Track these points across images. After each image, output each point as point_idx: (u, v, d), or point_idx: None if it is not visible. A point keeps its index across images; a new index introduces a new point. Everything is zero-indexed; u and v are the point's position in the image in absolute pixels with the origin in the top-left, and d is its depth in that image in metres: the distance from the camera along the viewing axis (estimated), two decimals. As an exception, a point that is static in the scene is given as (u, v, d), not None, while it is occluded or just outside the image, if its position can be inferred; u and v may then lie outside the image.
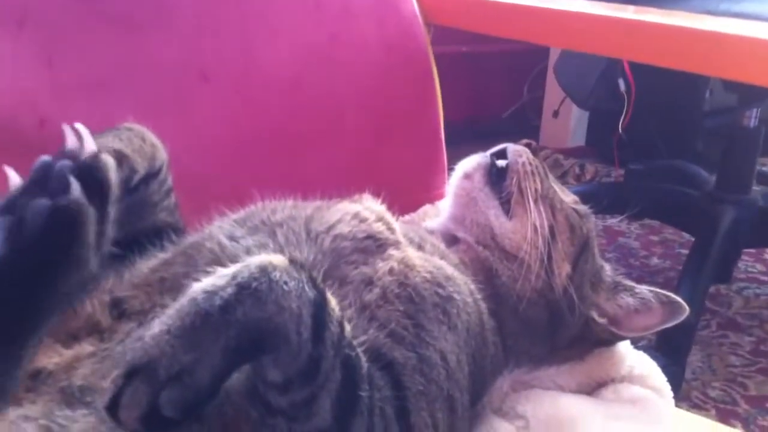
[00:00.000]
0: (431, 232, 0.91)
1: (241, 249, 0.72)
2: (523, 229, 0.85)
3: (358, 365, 0.61)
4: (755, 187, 2.41)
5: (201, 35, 1.05)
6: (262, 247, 0.73)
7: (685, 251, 2.50)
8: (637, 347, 2.00)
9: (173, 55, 1.03)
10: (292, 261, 0.59)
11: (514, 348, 0.85)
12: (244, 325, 0.54)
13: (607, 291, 0.89)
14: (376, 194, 1.07)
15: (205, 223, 0.80)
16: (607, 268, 0.92)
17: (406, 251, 0.77)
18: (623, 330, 0.88)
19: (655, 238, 2.74)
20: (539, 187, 0.88)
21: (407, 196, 1.07)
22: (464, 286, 0.78)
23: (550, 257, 0.85)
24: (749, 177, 2.33)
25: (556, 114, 3.24)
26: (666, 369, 1.85)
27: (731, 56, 0.89)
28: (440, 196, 1.09)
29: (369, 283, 0.72)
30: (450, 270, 0.78)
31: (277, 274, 0.56)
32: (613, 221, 2.83)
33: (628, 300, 0.88)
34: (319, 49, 1.07)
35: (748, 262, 2.58)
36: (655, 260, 2.60)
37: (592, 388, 0.88)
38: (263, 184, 1.04)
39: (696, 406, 1.86)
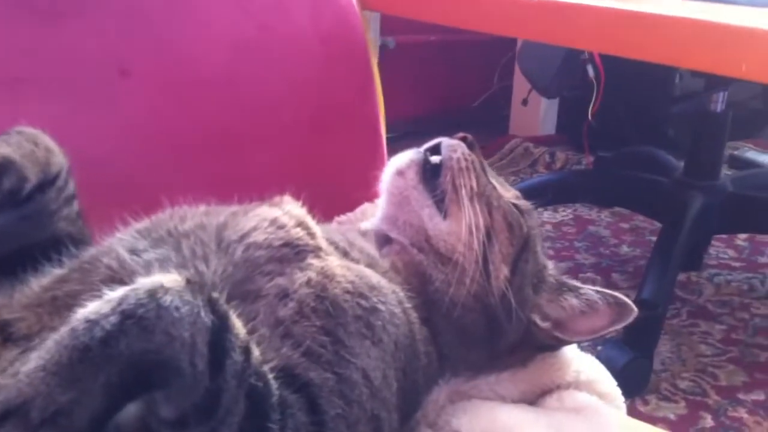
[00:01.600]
0: (364, 233, 0.86)
1: (142, 264, 0.66)
2: (458, 230, 0.80)
3: (266, 394, 0.56)
4: (725, 172, 2.37)
5: (123, 27, 0.98)
6: (165, 261, 0.67)
7: (656, 238, 2.47)
8: (604, 340, 1.96)
9: (93, 49, 0.97)
10: (189, 282, 0.54)
11: (451, 357, 0.79)
12: (128, 359, 0.49)
13: (549, 292, 0.84)
14: (313, 193, 1.02)
15: (107, 235, 0.74)
16: (551, 267, 0.87)
17: (326, 260, 0.71)
18: (568, 334, 0.83)
19: (625, 225, 2.70)
20: (474, 184, 0.82)
21: (346, 194, 1.01)
22: (391, 295, 0.72)
23: (486, 259, 0.79)
24: (717, 162, 2.29)
25: (525, 102, 3.19)
26: (634, 361, 1.83)
27: (696, 45, 0.83)
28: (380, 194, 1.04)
29: (284, 296, 0.67)
30: (375, 279, 0.72)
31: (167, 299, 0.51)
32: (583, 210, 2.80)
33: (572, 302, 0.83)
34: (251, 41, 1.01)
35: (720, 248, 2.54)
36: (625, 248, 2.56)
37: (536, 396, 0.83)
38: (194, 185, 0.98)
39: (665, 398, 1.83)
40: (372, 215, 0.97)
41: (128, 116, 0.96)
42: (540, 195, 2.45)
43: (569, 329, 0.83)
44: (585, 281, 2.41)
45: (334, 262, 0.71)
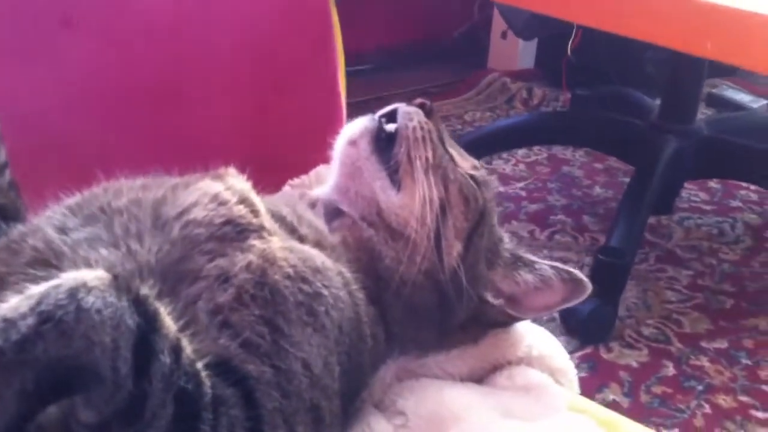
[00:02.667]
0: (315, 203, 0.82)
1: (70, 244, 0.63)
2: (411, 203, 0.77)
3: (198, 394, 0.54)
4: (703, 111, 2.32)
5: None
6: (95, 240, 0.64)
7: (628, 180, 2.45)
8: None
9: (33, -3, 0.92)
10: (115, 278, 0.51)
11: (399, 335, 0.78)
12: (44, 364, 0.47)
13: (505, 267, 0.82)
14: (264, 155, 0.98)
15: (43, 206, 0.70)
16: (506, 240, 0.84)
17: (269, 241, 0.68)
18: (521, 310, 0.81)
19: (599, 165, 2.68)
20: (430, 155, 0.79)
21: (300, 156, 0.97)
22: (336, 277, 0.70)
23: (439, 235, 0.77)
24: (693, 105, 2.26)
25: (504, 35, 3.12)
26: (599, 309, 1.83)
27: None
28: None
29: (224, 280, 0.64)
30: (320, 260, 0.70)
31: (89, 300, 0.48)
32: (558, 149, 2.77)
33: (527, 277, 0.81)
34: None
35: (692, 191, 2.53)
36: (597, 189, 2.54)
37: (487, 372, 0.82)
38: (138, 145, 0.95)
39: (629, 345, 1.83)
40: (326, 178, 0.94)
41: (69, 70, 0.92)
42: (514, 137, 2.42)
43: (523, 305, 0.81)
44: (555, 224, 2.40)
45: (276, 244, 0.68)
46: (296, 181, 0.94)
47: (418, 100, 0.83)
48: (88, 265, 0.61)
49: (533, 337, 0.84)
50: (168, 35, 0.94)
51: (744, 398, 1.69)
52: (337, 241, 0.77)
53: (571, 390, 0.85)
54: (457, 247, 0.78)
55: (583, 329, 1.83)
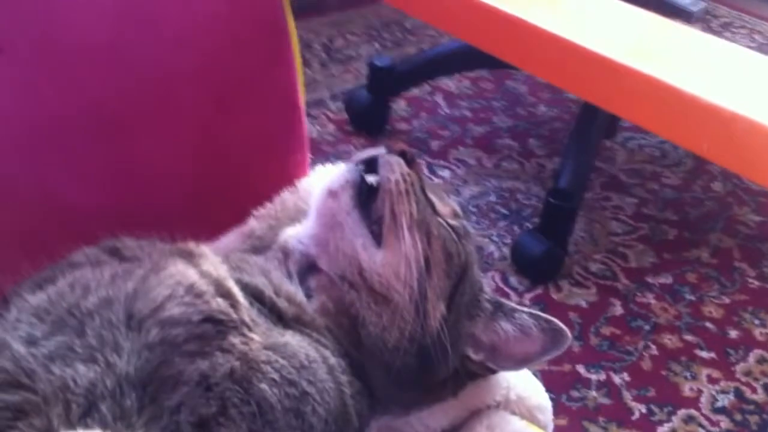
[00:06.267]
0: (287, 253, 0.78)
1: (41, 359, 0.59)
2: (395, 264, 0.74)
3: None
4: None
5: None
6: (68, 353, 0.59)
7: (573, 96, 2.44)
8: (522, 230, 1.96)
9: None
10: None
11: (382, 398, 0.76)
12: None
13: (485, 318, 0.80)
14: (221, 184, 0.92)
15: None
16: (486, 289, 0.82)
17: (250, 339, 0.65)
18: (501, 360, 0.80)
19: (542, 80, 2.64)
20: (414, 210, 0.75)
21: (261, 181, 0.92)
22: (321, 367, 0.68)
23: (424, 297, 0.74)
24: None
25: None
26: (550, 250, 1.84)
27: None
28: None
29: (207, 388, 0.61)
30: (303, 354, 0.67)
31: None
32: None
33: (506, 326, 0.80)
34: (140, 3, 0.87)
35: (635, 107, 2.53)
36: (542, 109, 2.52)
37: (464, 419, 0.82)
38: (81, 181, 0.88)
39: (577, 284, 1.87)
40: (292, 206, 0.90)
41: (3, 102, 0.83)
42: (456, 62, 2.34)
43: (502, 354, 0.80)
44: (502, 149, 2.36)
45: (257, 344, 0.65)
46: (262, 211, 0.89)
47: (399, 147, 0.79)
48: (65, 385, 0.58)
49: (511, 379, 0.84)
50: (107, 57, 0.85)
51: (689, 337, 1.76)
52: (316, 308, 0.74)
53: (548, 425, 0.86)
54: (440, 308, 0.76)
55: (535, 270, 1.86)
